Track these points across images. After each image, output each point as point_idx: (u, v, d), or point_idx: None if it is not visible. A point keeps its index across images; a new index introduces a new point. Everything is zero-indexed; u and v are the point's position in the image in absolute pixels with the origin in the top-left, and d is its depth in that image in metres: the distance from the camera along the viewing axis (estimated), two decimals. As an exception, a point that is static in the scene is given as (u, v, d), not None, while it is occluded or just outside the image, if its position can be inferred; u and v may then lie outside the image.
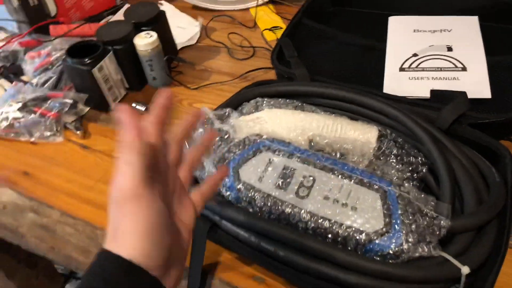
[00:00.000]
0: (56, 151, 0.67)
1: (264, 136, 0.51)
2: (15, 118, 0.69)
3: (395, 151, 0.53)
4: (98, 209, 0.57)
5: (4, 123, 0.68)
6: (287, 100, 0.58)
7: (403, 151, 0.53)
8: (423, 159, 0.52)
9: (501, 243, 0.42)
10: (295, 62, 0.68)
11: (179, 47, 0.84)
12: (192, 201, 0.35)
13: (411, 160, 0.52)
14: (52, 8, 0.87)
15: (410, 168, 0.51)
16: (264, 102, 0.58)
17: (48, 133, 0.68)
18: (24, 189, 0.61)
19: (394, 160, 0.52)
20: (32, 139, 0.68)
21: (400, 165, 0.52)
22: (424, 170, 0.51)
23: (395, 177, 0.49)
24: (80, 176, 0.62)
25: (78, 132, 0.69)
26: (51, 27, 0.85)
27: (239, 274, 0.49)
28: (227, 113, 0.56)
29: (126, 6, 0.95)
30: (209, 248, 0.50)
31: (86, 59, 0.67)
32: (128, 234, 0.28)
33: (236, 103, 0.59)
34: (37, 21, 0.84)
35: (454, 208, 0.46)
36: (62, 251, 0.58)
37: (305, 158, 0.48)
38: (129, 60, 0.73)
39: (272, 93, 0.60)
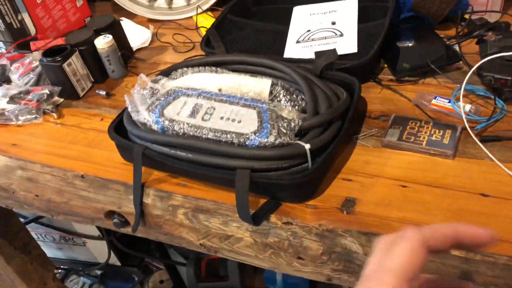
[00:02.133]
0: (37, 128, 0.86)
1: (181, 87, 0.71)
2: (4, 109, 0.89)
3: (282, 93, 0.72)
4: (69, 159, 0.76)
5: (-4, 112, 0.88)
6: (206, 68, 0.78)
7: (289, 92, 0.73)
8: (302, 96, 0.71)
9: (337, 135, 0.61)
10: (217, 46, 0.89)
11: (134, 49, 1.05)
12: None
13: (294, 97, 0.71)
14: (32, 29, 1.09)
15: (293, 103, 0.71)
16: (189, 70, 0.78)
17: (30, 117, 0.88)
18: (13, 154, 0.80)
19: (283, 100, 0.72)
20: (19, 122, 0.88)
21: (286, 103, 0.71)
22: (303, 104, 0.70)
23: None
24: (55, 142, 0.81)
25: (54, 114, 0.88)
26: (32, 43, 1.06)
27: (169, 184, 0.67)
28: (159, 78, 0.76)
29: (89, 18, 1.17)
30: (146, 171, 0.69)
31: (58, 57, 0.87)
32: None
33: (167, 72, 0.79)
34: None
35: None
36: (44, 196, 0.76)
37: (209, 96, 0.68)
38: (92, 58, 0.93)
39: (194, 64, 0.79)
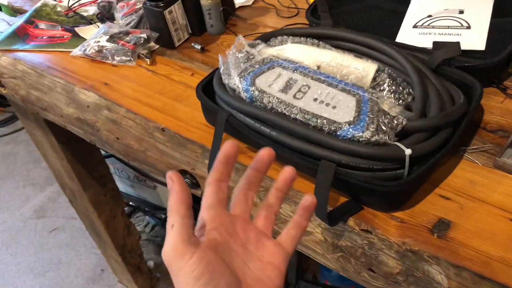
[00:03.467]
0: (129, 71, 0.86)
1: (278, 57, 0.66)
2: (103, 46, 0.90)
3: (387, 82, 0.64)
4: (153, 110, 0.75)
5: (96, 49, 0.89)
6: (307, 39, 0.72)
7: (395, 82, 0.64)
8: (410, 90, 0.63)
9: (445, 144, 0.53)
10: (324, 17, 0.81)
11: (237, 6, 1.00)
12: (277, 243, 0.36)
13: (400, 89, 0.63)
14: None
15: (398, 96, 0.63)
16: (289, 39, 0.72)
17: (125, 58, 0.88)
18: (103, 94, 0.81)
19: (387, 88, 0.64)
20: (114, 62, 0.89)
21: (390, 94, 0.63)
22: (409, 99, 0.62)
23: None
24: (144, 89, 0.81)
25: (147, 60, 0.88)
26: (139, -16, 1.05)
27: (247, 157, 0.64)
28: (257, 43, 0.71)
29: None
30: (226, 138, 0.66)
31: (160, 3, 0.86)
32: None
33: (266, 38, 0.74)
34: (128, -21, 1.05)
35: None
36: (124, 140, 0.77)
37: (306, 73, 0.62)
38: (193, 9, 0.90)
39: (296, 34, 0.73)
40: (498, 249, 0.47)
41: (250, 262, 0.34)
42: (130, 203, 1.69)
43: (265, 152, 0.37)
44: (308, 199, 0.37)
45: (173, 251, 0.30)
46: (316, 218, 0.55)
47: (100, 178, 1.29)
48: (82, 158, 1.19)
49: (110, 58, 0.89)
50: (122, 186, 1.65)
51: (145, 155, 0.75)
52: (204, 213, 0.34)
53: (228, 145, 0.36)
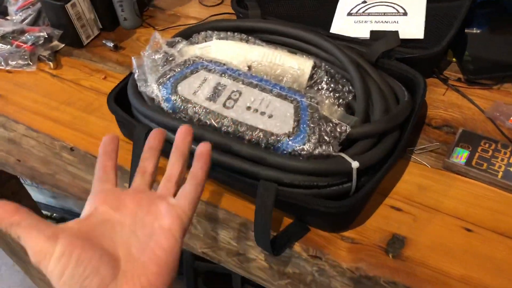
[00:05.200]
0: (28, 78, 0.73)
1: (202, 58, 0.57)
2: (-7, 48, 0.75)
3: (325, 80, 0.58)
4: (60, 125, 0.64)
5: (-17, 52, 0.75)
6: (235, 34, 0.63)
7: (333, 79, 0.58)
8: (349, 87, 0.57)
9: (393, 151, 0.48)
10: (252, 6, 0.73)
11: (153, -6, 0.89)
12: (170, 204, 0.34)
13: (339, 88, 0.57)
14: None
15: (338, 95, 0.57)
16: (214, 34, 0.63)
17: (22, 63, 0.74)
18: (-4, 107, 0.67)
19: (325, 87, 0.58)
20: (8, 68, 0.75)
21: (328, 93, 0.57)
22: (350, 98, 0.56)
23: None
24: (47, 99, 0.68)
25: (50, 63, 0.75)
26: (35, -29, 0.90)
27: (173, 177, 0.55)
28: (177, 41, 0.62)
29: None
30: (150, 155, 0.56)
31: (60, -5, 0.73)
32: None
33: (188, 34, 0.64)
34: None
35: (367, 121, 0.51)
36: (27, 163, 0.65)
37: (235, 76, 0.54)
38: (102, 0, 0.78)
39: (221, 28, 0.65)
40: (456, 266, 0.43)
41: (139, 230, 0.32)
42: (54, 214, 1.53)
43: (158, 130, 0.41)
44: (202, 144, 0.37)
45: (35, 254, 0.29)
46: (257, 246, 0.48)
47: (12, 195, 1.13)
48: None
49: (3, 63, 0.75)
50: (42, 197, 1.49)
51: (54, 178, 0.63)
52: (87, 200, 0.35)
53: (106, 140, 0.39)
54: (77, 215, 1.49)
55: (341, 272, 0.44)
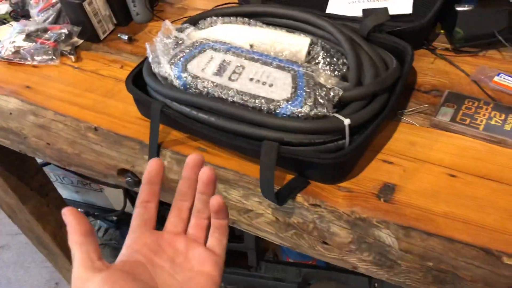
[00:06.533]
0: (53, 71, 0.80)
1: (209, 39, 0.63)
2: (19, 46, 0.83)
3: (321, 54, 0.64)
4: (84, 109, 0.70)
5: (12, 50, 0.82)
6: (237, 18, 0.70)
7: (329, 54, 0.64)
8: (344, 60, 0.62)
9: (382, 110, 0.53)
10: (253, -7, 0.79)
11: (162, -9, 0.96)
12: (206, 250, 0.36)
13: (334, 61, 0.63)
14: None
15: (333, 68, 0.62)
16: (219, 20, 0.70)
17: (47, 57, 0.82)
18: (26, 98, 0.75)
19: (321, 61, 0.63)
20: (34, 63, 0.82)
21: (325, 66, 0.63)
22: (344, 70, 0.62)
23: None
24: (71, 88, 0.76)
25: (72, 56, 0.82)
26: (53, -24, 0.98)
27: (187, 147, 0.61)
28: (185, 27, 0.68)
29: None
30: (164, 130, 0.63)
31: (77, -6, 0.80)
32: None
33: (195, 20, 0.71)
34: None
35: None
36: (55, 146, 0.72)
37: (239, 53, 0.60)
38: (115, -3, 0.85)
39: (225, 13, 0.71)
40: (441, 205, 0.48)
41: (178, 274, 0.34)
42: (78, 209, 1.61)
43: (191, 158, 0.37)
44: (214, 202, 0.35)
45: (77, 279, 0.30)
46: (265, 199, 0.54)
47: (40, 188, 1.21)
48: (16, 170, 1.11)
49: (29, 58, 0.82)
50: (66, 193, 1.56)
51: (81, 158, 0.70)
52: (127, 237, 0.35)
53: (151, 164, 0.37)
54: (99, 209, 1.56)
55: (338, 216, 0.50)
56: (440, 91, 0.62)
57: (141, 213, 0.36)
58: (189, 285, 0.33)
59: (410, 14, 0.69)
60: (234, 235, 1.26)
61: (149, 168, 0.37)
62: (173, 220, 0.37)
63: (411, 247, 0.47)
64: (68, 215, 0.32)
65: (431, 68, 0.66)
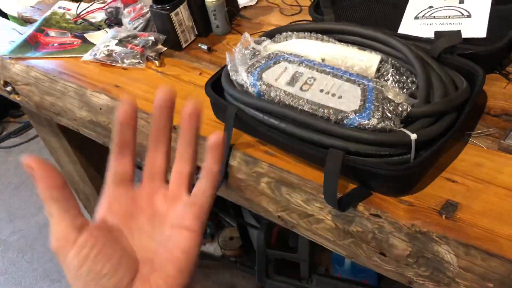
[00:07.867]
0: (139, 73, 0.89)
1: (284, 52, 0.67)
2: (112, 50, 0.92)
3: (391, 72, 0.66)
4: (164, 109, 0.77)
5: (105, 53, 0.92)
6: (311, 34, 0.74)
7: (398, 72, 0.66)
8: (413, 79, 0.64)
9: (450, 129, 0.54)
10: (327, 12, 0.83)
11: (241, 6, 1.02)
12: (188, 202, 0.32)
13: (403, 79, 0.65)
14: (146, -24, 1.11)
15: (402, 85, 0.64)
16: (293, 34, 0.74)
17: (134, 61, 0.90)
18: (115, 95, 0.83)
19: (390, 79, 0.65)
20: (124, 65, 0.91)
21: (394, 83, 0.65)
22: (413, 88, 0.64)
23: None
24: (154, 89, 0.83)
25: (156, 61, 0.90)
26: (145, -11, 1.08)
27: (257, 150, 0.66)
28: (263, 39, 0.73)
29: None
30: (236, 133, 0.68)
31: (167, 5, 0.88)
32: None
33: (271, 34, 0.76)
34: (134, -16, 1.08)
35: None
36: (137, 140, 0.79)
37: (311, 65, 0.64)
38: (199, 10, 0.93)
39: (300, 29, 0.75)
40: (505, 227, 0.48)
41: (157, 235, 0.32)
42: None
43: (160, 93, 0.34)
44: (213, 136, 0.32)
45: (57, 240, 0.28)
46: (325, 204, 0.56)
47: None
48: (95, 162, 1.22)
49: (120, 61, 0.91)
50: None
51: (158, 153, 0.77)
52: (103, 195, 0.33)
53: (124, 102, 0.33)
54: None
55: (398, 228, 0.51)
56: (510, 116, 0.62)
57: (115, 167, 0.33)
58: (167, 244, 0.31)
59: (484, 38, 0.69)
60: (288, 245, 1.28)
61: (122, 108, 0.33)
62: (148, 173, 0.34)
63: (471, 266, 0.48)
64: (34, 167, 0.27)
65: (503, 92, 0.66)
